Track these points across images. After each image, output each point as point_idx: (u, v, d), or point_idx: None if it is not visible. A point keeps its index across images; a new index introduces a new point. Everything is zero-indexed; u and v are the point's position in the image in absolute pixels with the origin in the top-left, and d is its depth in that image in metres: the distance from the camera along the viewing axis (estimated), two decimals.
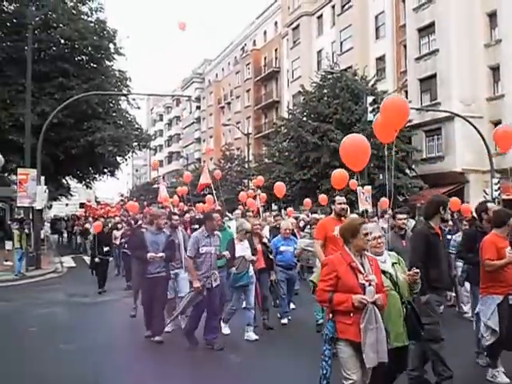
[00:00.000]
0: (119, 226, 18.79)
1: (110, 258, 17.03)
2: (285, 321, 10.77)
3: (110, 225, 18.75)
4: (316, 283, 7.39)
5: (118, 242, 18.08)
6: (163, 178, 38.48)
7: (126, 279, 15.61)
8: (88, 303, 14.11)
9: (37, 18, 26.81)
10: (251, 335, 9.52)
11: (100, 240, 15.99)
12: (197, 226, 13.32)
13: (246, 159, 48.90)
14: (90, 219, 28.40)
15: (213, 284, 8.68)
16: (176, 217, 10.60)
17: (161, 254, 9.19)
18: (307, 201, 22.30)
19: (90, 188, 42.85)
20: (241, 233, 9.98)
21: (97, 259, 15.66)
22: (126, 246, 15.72)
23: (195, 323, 8.90)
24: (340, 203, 8.54)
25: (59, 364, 8.12)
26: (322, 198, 22.57)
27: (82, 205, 51.26)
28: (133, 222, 18.12)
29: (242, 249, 9.76)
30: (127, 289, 14.74)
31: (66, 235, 41.74)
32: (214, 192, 20.18)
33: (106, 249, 15.99)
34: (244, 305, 10.06)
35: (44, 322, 11.47)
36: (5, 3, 32.02)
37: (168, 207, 19.07)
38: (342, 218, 8.24)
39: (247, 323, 9.63)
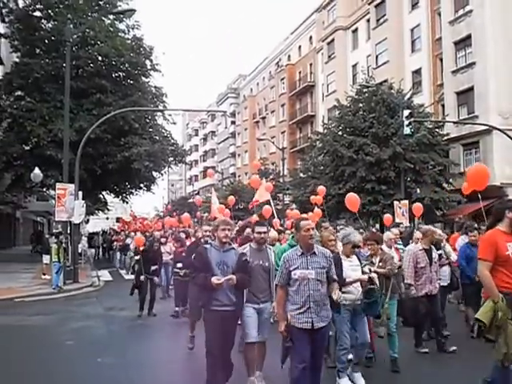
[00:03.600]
0: (162, 240, 16.89)
1: (156, 279, 14.67)
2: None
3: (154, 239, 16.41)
4: (484, 321, 5.71)
5: (164, 259, 15.94)
6: (213, 188, 37.92)
7: (175, 304, 13.54)
8: (125, 317, 14.10)
9: (75, 36, 27.22)
10: (359, 380, 7.57)
11: (146, 257, 14.13)
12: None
13: (281, 174, 48.83)
14: (133, 234, 27.44)
15: (314, 324, 6.09)
16: (263, 228, 7.76)
17: (230, 277, 6.60)
18: (388, 216, 20.12)
19: (127, 203, 43.17)
20: (346, 246, 7.85)
21: (142, 277, 13.82)
22: (176, 265, 13.22)
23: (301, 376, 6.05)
24: None
25: (96, 378, 8.11)
26: (387, 218, 20.05)
27: (118, 219, 51.67)
28: (184, 236, 15.84)
29: (352, 268, 7.67)
30: (175, 316, 13.26)
31: (101, 250, 41.96)
32: (271, 203, 19.19)
33: (153, 268, 14.16)
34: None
35: (81, 336, 11.53)
36: (43, 21, 32.74)
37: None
38: None
39: (355, 362, 7.78)
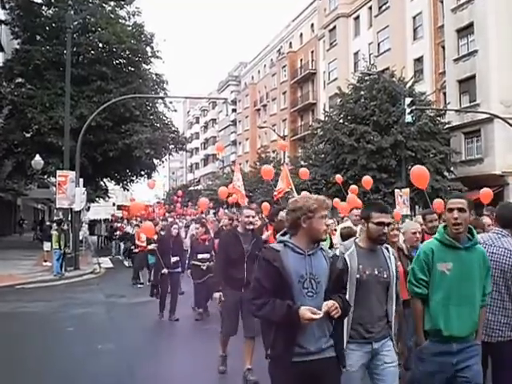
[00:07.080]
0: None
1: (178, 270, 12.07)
2: None
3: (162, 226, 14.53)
4: None
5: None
6: (234, 163, 36.67)
7: (196, 305, 12.10)
8: (125, 304, 14.17)
9: (75, 22, 27.18)
10: None
11: (165, 247, 11.89)
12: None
13: (282, 162, 48.76)
14: (133, 221, 25.81)
15: None
16: (388, 217, 4.51)
17: (333, 305, 3.61)
18: (439, 202, 14.89)
19: (128, 190, 43.18)
20: None
21: (165, 270, 11.54)
22: (197, 256, 11.62)
23: None
24: None
25: (96, 364, 8.13)
26: (438, 203, 14.59)
27: (119, 207, 51.49)
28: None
29: None
30: (199, 318, 11.59)
31: (103, 239, 41.55)
32: (294, 194, 17.85)
33: (173, 259, 11.76)
34: None
35: (81, 322, 11.57)
36: (44, 7, 32.62)
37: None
38: None
39: None
